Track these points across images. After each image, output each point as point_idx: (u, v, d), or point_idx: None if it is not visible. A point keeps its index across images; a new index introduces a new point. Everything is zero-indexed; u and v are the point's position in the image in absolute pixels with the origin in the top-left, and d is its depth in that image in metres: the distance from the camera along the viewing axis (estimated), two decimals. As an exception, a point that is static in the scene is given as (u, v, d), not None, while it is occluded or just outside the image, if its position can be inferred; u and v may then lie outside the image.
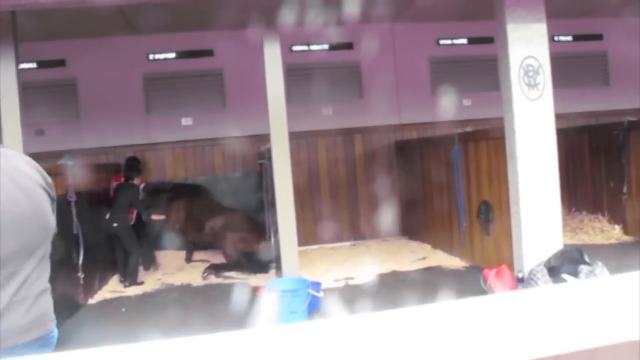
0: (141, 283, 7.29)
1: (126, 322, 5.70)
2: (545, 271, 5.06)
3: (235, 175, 9.26)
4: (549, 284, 4.96)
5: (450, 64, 9.80)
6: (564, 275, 4.93)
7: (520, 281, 5.30)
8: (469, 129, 6.99)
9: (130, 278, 7.27)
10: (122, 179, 7.72)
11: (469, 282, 6.01)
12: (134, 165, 7.67)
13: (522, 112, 5.44)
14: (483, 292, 5.47)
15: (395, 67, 9.62)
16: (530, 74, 5.45)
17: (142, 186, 7.74)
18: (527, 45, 5.48)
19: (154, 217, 7.78)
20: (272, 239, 7.17)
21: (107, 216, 7.29)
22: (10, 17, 5.30)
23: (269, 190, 6.76)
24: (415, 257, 7.74)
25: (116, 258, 7.59)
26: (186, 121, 9.20)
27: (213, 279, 7.27)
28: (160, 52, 9.13)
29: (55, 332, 1.92)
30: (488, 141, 6.29)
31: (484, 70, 9.84)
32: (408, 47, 9.60)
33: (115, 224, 7.24)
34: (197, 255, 8.42)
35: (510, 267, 5.55)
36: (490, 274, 5.48)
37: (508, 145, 5.60)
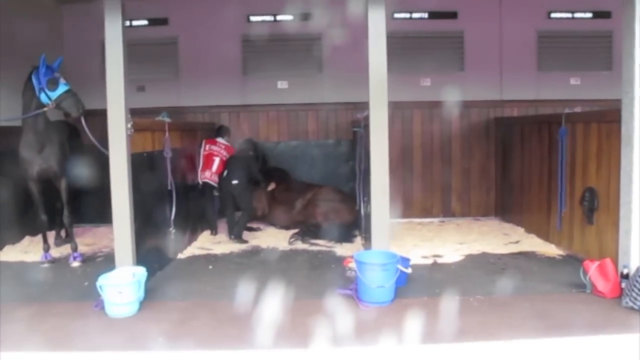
0: (246, 241, 7.53)
1: (212, 280, 5.79)
2: (655, 269, 4.66)
3: (328, 142, 9.23)
4: (658, 283, 4.57)
5: (559, 39, 9.20)
6: (677, 276, 4.52)
7: (625, 278, 4.92)
8: (578, 109, 6.53)
9: (237, 233, 7.59)
10: (215, 142, 8.04)
11: (566, 273, 5.67)
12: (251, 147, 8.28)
13: (644, 94, 4.96)
14: (581, 284, 5.15)
15: (500, 40, 9.14)
16: (658, 52, 4.95)
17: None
18: (657, 21, 4.96)
19: (270, 186, 8.43)
20: (362, 210, 7.06)
21: (226, 173, 7.73)
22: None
23: (363, 159, 6.62)
24: (507, 239, 7.42)
25: (208, 213, 8.09)
26: (282, 85, 9.20)
27: (299, 245, 7.29)
28: (260, 15, 9.11)
29: None
30: (600, 124, 5.82)
31: (595, 47, 9.21)
32: (515, 19, 9.09)
33: (234, 182, 7.65)
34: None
35: (615, 261, 5.17)
36: (592, 267, 5.12)
37: (624, 129, 5.14)
